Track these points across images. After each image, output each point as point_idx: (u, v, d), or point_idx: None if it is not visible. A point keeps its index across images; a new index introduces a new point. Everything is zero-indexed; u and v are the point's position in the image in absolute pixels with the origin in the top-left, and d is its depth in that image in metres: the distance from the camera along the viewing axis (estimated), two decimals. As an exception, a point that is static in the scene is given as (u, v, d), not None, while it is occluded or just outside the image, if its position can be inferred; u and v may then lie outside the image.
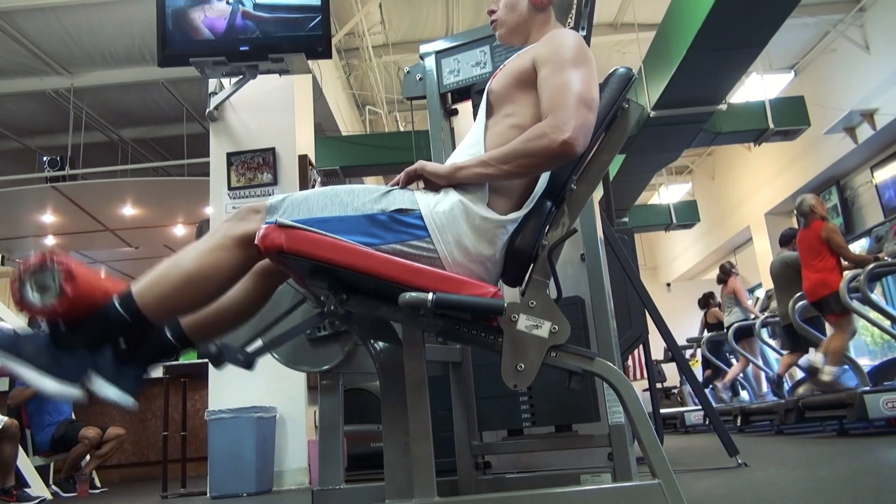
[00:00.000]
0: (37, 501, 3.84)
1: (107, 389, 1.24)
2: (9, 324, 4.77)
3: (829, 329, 4.70)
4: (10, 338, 1.20)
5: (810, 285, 4.54)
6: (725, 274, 6.98)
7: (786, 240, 5.50)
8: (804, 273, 4.65)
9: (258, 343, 1.48)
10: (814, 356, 4.49)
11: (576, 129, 1.22)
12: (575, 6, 1.54)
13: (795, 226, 4.87)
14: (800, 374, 5.58)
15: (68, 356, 1.20)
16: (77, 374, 1.21)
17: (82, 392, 1.21)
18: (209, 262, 1.24)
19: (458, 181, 1.28)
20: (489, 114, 1.41)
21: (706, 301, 7.95)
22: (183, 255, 1.26)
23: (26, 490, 3.94)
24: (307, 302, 1.66)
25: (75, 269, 1.20)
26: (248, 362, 1.39)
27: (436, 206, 1.27)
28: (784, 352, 5.79)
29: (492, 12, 1.56)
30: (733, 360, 7.15)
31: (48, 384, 1.18)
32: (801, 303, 4.73)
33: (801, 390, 5.07)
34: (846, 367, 4.40)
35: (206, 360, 3.89)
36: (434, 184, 1.31)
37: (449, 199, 1.28)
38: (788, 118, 7.37)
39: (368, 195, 1.28)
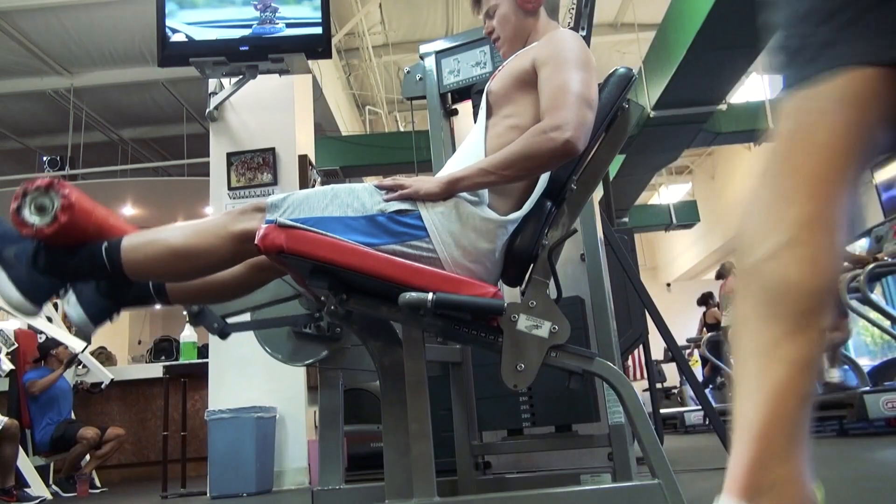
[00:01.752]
0: (37, 501, 3.85)
1: (72, 307, 1.31)
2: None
3: None
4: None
5: None
6: (725, 272, 7.00)
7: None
8: None
9: (242, 317, 1.53)
10: None
11: (576, 127, 1.22)
12: (576, 5, 1.54)
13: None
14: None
15: (42, 277, 1.25)
16: (42, 297, 1.26)
17: (38, 313, 1.28)
18: (201, 244, 1.26)
19: (458, 193, 1.27)
20: (489, 114, 1.41)
21: (705, 300, 7.95)
22: (179, 228, 1.29)
23: (26, 490, 3.94)
24: (300, 300, 1.68)
25: (76, 201, 1.23)
26: (223, 332, 1.45)
27: (435, 207, 1.26)
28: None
29: (490, 33, 1.56)
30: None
31: (12, 295, 1.23)
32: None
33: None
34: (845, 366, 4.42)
35: (206, 361, 3.88)
36: None
37: (449, 200, 1.28)
38: (788, 118, 7.37)
39: (368, 195, 1.27)
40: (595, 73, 1.33)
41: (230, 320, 1.66)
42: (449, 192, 1.27)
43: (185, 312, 1.53)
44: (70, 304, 1.33)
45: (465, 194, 1.28)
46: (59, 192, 1.22)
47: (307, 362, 1.96)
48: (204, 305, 1.55)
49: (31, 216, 1.21)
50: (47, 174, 1.27)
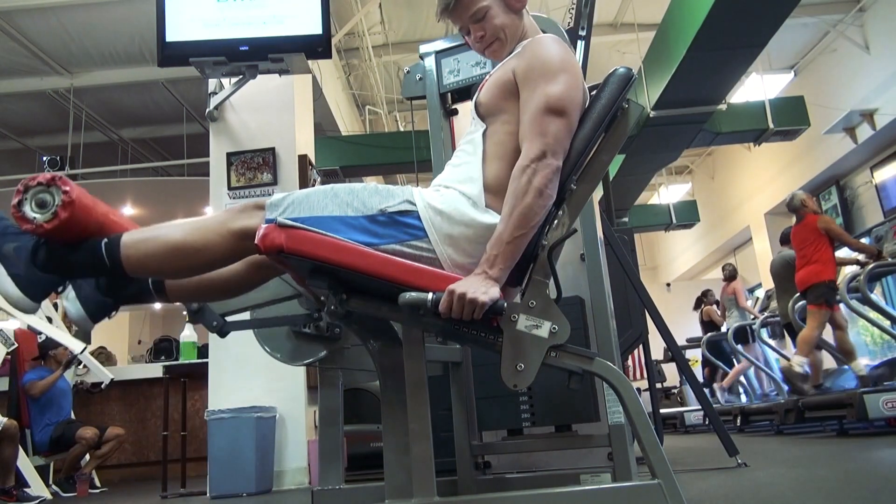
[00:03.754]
0: (37, 501, 3.84)
1: (70, 303, 1.33)
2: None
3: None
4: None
5: (804, 275, 4.55)
6: (732, 276, 7.00)
7: (786, 238, 5.51)
8: (798, 265, 4.66)
9: (241, 315, 1.54)
10: (795, 358, 4.52)
11: (544, 147, 1.23)
12: (576, 5, 1.54)
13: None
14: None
15: (41, 274, 1.26)
16: (40, 293, 1.27)
17: (36, 310, 1.29)
18: (200, 241, 1.26)
19: (504, 273, 1.20)
20: (484, 123, 1.41)
21: (702, 299, 7.96)
22: (179, 225, 1.29)
23: (26, 490, 3.94)
24: (299, 300, 1.68)
25: (77, 198, 1.23)
26: (222, 331, 1.46)
27: (435, 207, 1.26)
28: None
29: (481, 38, 1.48)
30: (735, 361, 7.15)
31: (10, 291, 1.24)
32: (800, 302, 4.73)
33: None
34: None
35: (206, 361, 3.88)
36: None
37: (448, 201, 1.28)
38: (788, 118, 7.37)
39: (368, 194, 1.27)
40: (571, 71, 1.32)
41: (229, 319, 1.67)
42: (501, 277, 1.20)
43: (184, 311, 1.54)
44: (69, 300, 1.34)
45: (465, 196, 1.28)
46: (61, 187, 1.23)
47: (306, 362, 1.97)
48: (203, 303, 1.55)
49: (31, 211, 1.22)
50: (48, 172, 1.32)
